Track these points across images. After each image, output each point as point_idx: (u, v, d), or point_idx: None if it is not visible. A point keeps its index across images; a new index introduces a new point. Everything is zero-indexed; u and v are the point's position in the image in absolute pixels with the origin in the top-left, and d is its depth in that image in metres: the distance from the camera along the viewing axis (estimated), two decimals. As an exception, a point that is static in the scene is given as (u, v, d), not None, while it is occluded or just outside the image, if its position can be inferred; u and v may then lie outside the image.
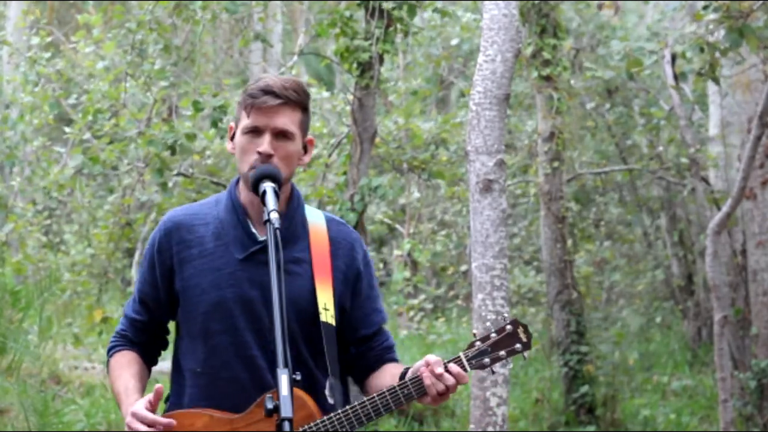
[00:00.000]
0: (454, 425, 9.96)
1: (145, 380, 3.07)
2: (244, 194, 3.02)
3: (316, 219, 3.07)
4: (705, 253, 8.35)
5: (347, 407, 2.86)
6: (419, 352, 13.50)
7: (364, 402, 2.86)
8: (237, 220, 2.99)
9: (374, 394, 2.87)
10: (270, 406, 2.56)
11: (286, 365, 2.60)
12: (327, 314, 2.95)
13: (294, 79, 3.04)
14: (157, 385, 2.85)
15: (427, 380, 2.83)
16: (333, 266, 3.01)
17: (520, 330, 2.87)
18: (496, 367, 2.90)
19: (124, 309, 3.15)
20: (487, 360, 2.86)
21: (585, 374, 10.31)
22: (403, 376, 2.92)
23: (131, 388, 2.97)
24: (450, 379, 2.83)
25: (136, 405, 2.85)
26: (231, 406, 2.90)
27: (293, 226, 3.02)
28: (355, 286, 3.06)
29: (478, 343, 2.87)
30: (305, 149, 3.06)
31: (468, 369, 2.86)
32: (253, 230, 2.98)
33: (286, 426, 2.53)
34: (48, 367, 9.44)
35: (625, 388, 10.76)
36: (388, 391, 2.87)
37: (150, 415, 2.83)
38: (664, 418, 10.47)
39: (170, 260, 3.01)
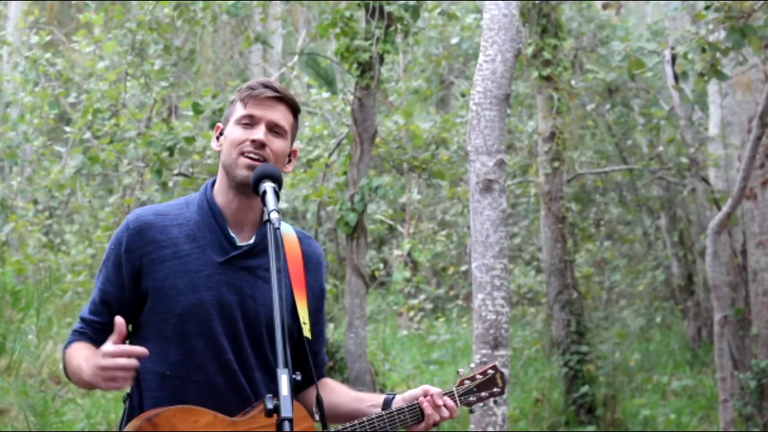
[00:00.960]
0: (454, 425, 9.96)
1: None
2: (221, 197, 2.98)
3: (287, 231, 3.07)
4: (705, 253, 8.35)
5: (347, 425, 2.93)
6: (419, 352, 13.51)
7: (363, 422, 2.94)
8: (214, 222, 2.95)
9: (373, 415, 2.96)
10: (270, 406, 2.55)
11: (286, 365, 2.58)
12: (305, 328, 2.96)
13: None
14: (118, 319, 2.75)
15: (428, 410, 3.00)
16: (306, 281, 3.04)
17: (498, 376, 3.17)
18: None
19: (80, 313, 3.04)
20: (472, 398, 3.13)
21: (585, 374, 10.30)
22: (387, 402, 3.01)
23: (91, 354, 2.83)
24: (446, 412, 3.02)
25: (103, 346, 2.74)
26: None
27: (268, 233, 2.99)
28: (318, 302, 3.10)
29: (467, 381, 3.14)
30: (289, 158, 3.04)
31: (458, 405, 3.09)
32: (232, 234, 2.95)
33: (286, 426, 2.52)
34: (48, 367, 9.43)
35: (625, 388, 10.75)
36: (386, 414, 2.96)
37: (124, 346, 2.73)
38: (664, 418, 10.46)
39: (139, 260, 2.92)
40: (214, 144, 3.04)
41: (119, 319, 2.76)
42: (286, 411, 2.53)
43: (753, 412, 9.34)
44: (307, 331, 2.95)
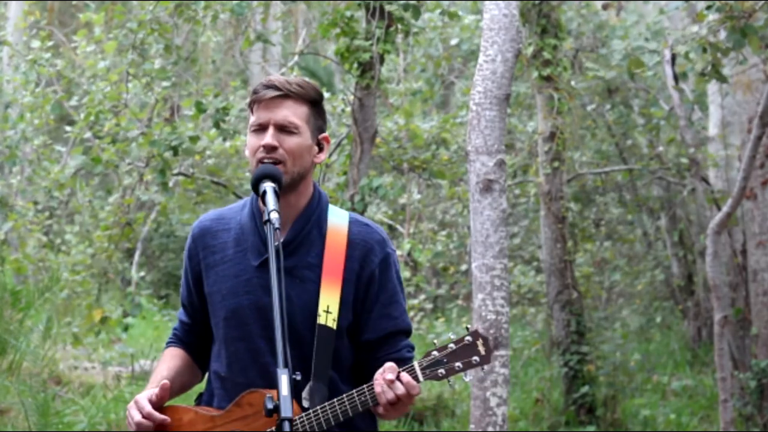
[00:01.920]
0: (454, 425, 9.96)
1: (185, 376, 3.11)
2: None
3: (338, 220, 3.01)
4: (705, 253, 8.35)
5: (309, 411, 2.84)
6: (419, 352, 13.49)
7: (324, 407, 2.84)
8: (255, 226, 2.99)
9: (334, 400, 2.84)
10: (270, 406, 2.57)
11: (286, 365, 2.60)
12: (328, 317, 2.90)
13: (303, 78, 3.04)
14: (164, 382, 2.91)
15: (378, 387, 2.79)
16: (345, 268, 2.95)
17: (480, 342, 2.77)
18: (470, 374, 2.82)
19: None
20: (441, 371, 2.77)
21: (585, 374, 10.30)
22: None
23: (157, 379, 3.02)
24: (400, 388, 2.76)
25: (142, 393, 2.92)
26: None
27: (307, 229, 2.98)
28: (368, 288, 2.97)
29: (435, 352, 2.78)
30: (320, 146, 3.02)
31: (421, 379, 2.78)
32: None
33: (286, 426, 2.53)
34: (48, 367, 9.44)
35: (625, 388, 10.75)
36: (347, 396, 2.83)
37: (148, 407, 2.89)
38: (664, 418, 10.46)
39: (198, 266, 3.05)
40: (246, 153, 3.05)
41: (164, 383, 2.94)
42: (286, 411, 2.55)
43: (753, 412, 9.34)
44: (330, 321, 2.89)
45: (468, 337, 2.77)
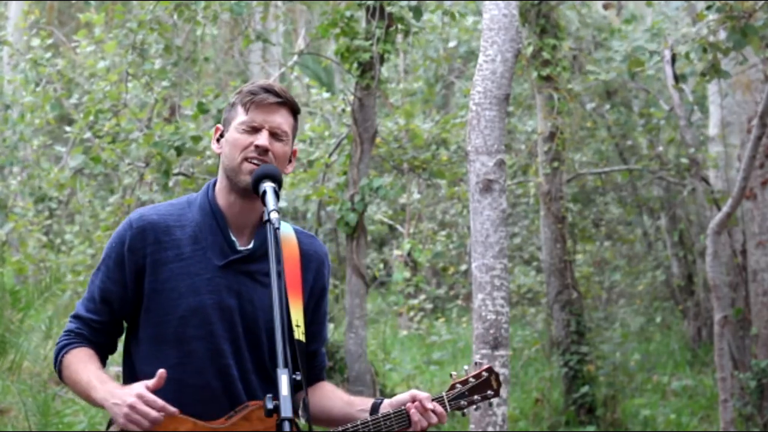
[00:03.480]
0: (454, 425, 9.96)
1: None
2: (222, 199, 2.98)
3: (286, 230, 3.04)
4: (705, 253, 8.35)
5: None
6: (419, 352, 13.51)
7: (347, 428, 2.90)
8: (216, 225, 2.95)
9: (357, 422, 2.91)
10: (270, 406, 2.55)
11: (286, 365, 2.58)
12: (299, 331, 2.91)
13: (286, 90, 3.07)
14: (161, 370, 2.77)
15: (415, 416, 2.94)
16: (303, 281, 3.00)
17: (493, 378, 3.08)
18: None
19: (75, 311, 3.02)
20: (464, 403, 3.06)
21: (585, 374, 10.30)
22: (375, 407, 2.97)
23: (105, 377, 2.88)
24: (434, 418, 2.96)
25: (138, 386, 2.76)
26: (196, 414, 2.86)
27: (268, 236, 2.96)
28: (318, 301, 3.06)
29: (458, 385, 3.05)
30: (290, 159, 3.04)
31: (448, 409, 3.02)
32: (233, 238, 2.95)
33: (286, 426, 2.52)
34: (49, 367, 9.43)
35: (625, 389, 10.76)
36: (372, 420, 2.91)
37: (159, 400, 2.74)
38: (664, 418, 10.46)
39: (143, 260, 2.92)
40: (214, 146, 3.03)
41: (161, 372, 2.77)
42: (285, 411, 2.53)
43: (753, 412, 9.34)
44: (300, 335, 2.90)
45: (484, 373, 3.07)
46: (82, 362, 2.93)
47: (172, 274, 2.91)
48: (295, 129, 3.03)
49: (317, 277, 3.05)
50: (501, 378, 3.18)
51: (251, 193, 2.89)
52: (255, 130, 2.93)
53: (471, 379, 3.05)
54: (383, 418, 2.91)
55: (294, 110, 3.01)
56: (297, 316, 2.92)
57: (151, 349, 2.93)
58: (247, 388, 2.93)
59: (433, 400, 2.97)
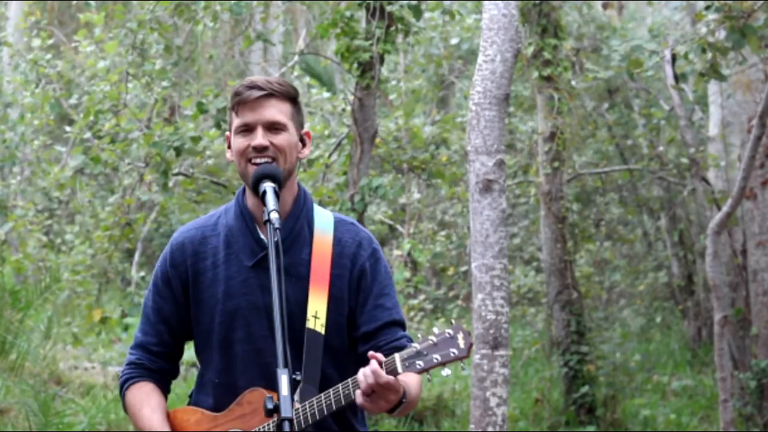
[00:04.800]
0: (454, 425, 9.96)
1: (165, 408, 3.04)
2: (251, 200, 3.00)
3: (323, 220, 3.03)
4: (705, 253, 8.35)
5: (298, 406, 2.82)
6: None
7: (312, 401, 2.83)
8: (245, 227, 2.98)
9: (321, 394, 2.84)
10: (270, 406, 2.57)
11: (286, 365, 2.61)
12: (316, 322, 2.91)
13: (278, 77, 3.05)
14: None
15: (359, 376, 2.74)
16: (333, 270, 2.97)
17: (460, 335, 2.70)
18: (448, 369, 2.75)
19: (134, 340, 3.09)
20: (420, 363, 2.70)
21: (585, 374, 10.30)
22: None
23: (159, 422, 2.96)
24: (370, 377, 2.71)
25: None
26: None
27: (299, 226, 2.99)
28: (359, 283, 2.99)
29: (415, 344, 2.73)
30: (303, 142, 3.03)
31: (400, 370, 2.71)
32: (262, 236, 2.97)
33: (286, 426, 2.54)
34: (48, 367, 9.44)
35: (625, 389, 10.75)
36: (332, 390, 2.82)
37: None
38: (664, 418, 10.46)
39: (185, 274, 3.00)
40: (228, 155, 3.04)
41: None
42: (286, 411, 2.55)
43: (753, 412, 9.34)
44: (318, 326, 2.91)
45: (449, 331, 2.71)
46: (142, 397, 3.01)
47: (210, 282, 2.98)
48: (295, 113, 2.99)
49: (353, 261, 2.99)
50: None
51: (254, 192, 2.91)
52: (250, 129, 2.93)
53: (431, 338, 2.70)
54: (342, 385, 2.81)
55: (287, 96, 2.97)
56: (316, 307, 2.91)
57: (204, 357, 3.04)
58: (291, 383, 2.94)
59: (385, 361, 2.72)
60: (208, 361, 3.02)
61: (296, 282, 2.93)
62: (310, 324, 2.92)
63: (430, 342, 2.71)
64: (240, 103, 2.94)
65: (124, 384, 3.05)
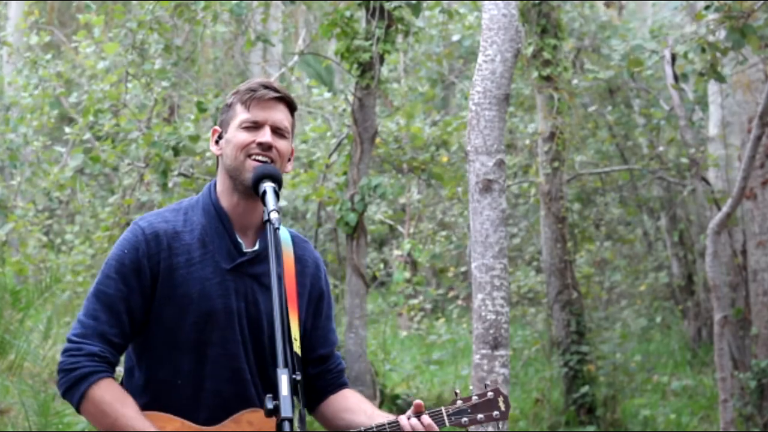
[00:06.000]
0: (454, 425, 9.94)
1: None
2: (226, 200, 2.95)
3: (284, 235, 3.02)
4: (705, 253, 8.35)
5: None
6: (419, 352, 13.51)
7: None
8: (222, 228, 2.93)
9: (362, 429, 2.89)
10: (270, 406, 2.55)
11: (286, 365, 2.58)
12: (296, 344, 2.86)
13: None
14: (417, 400, 2.89)
15: (406, 426, 2.86)
16: (298, 288, 2.97)
17: (500, 399, 2.94)
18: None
19: (92, 329, 2.84)
20: (465, 419, 2.92)
21: (585, 374, 10.30)
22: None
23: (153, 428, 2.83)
24: (418, 426, 2.85)
25: None
26: (209, 418, 2.87)
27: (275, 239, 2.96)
28: (317, 305, 3.04)
29: (459, 401, 2.92)
30: (289, 157, 3.02)
31: (447, 424, 2.90)
32: (239, 240, 2.93)
33: (286, 426, 2.52)
34: (48, 367, 9.43)
35: (625, 389, 10.75)
36: (365, 430, 2.89)
37: None
38: (664, 418, 10.46)
39: (157, 267, 2.87)
40: (213, 148, 3.00)
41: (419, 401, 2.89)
42: (285, 411, 2.53)
43: (753, 412, 9.34)
44: (297, 348, 2.85)
45: (490, 393, 2.94)
46: (119, 402, 2.80)
47: (184, 280, 2.88)
48: (293, 126, 3.02)
49: (314, 282, 3.03)
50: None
51: (252, 193, 2.87)
52: (257, 127, 2.92)
53: (474, 397, 2.94)
54: (377, 427, 2.89)
55: (291, 107, 3.00)
56: (294, 328, 2.86)
57: (164, 355, 2.90)
58: (257, 392, 2.92)
59: (432, 412, 2.89)
60: (165, 360, 2.89)
61: (266, 291, 2.91)
62: (294, 347, 2.86)
63: (473, 401, 2.93)
64: (253, 99, 2.93)
65: (88, 376, 2.80)
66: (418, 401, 2.87)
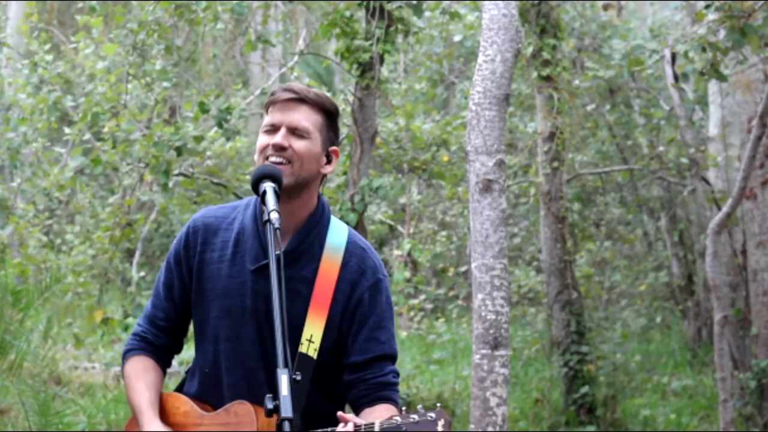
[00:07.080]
0: (455, 425, 9.96)
1: (160, 386, 3.07)
2: None
3: (336, 240, 3.00)
4: (705, 253, 8.35)
5: None
6: (419, 352, 13.51)
7: None
8: (256, 229, 2.98)
9: None
10: (270, 406, 2.57)
11: (286, 365, 2.60)
12: (310, 346, 2.90)
13: (320, 91, 3.05)
14: None
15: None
16: (335, 294, 2.95)
17: (441, 422, 2.70)
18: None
19: (146, 310, 3.13)
20: None
21: (585, 374, 10.30)
22: None
23: (147, 403, 2.98)
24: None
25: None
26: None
27: (308, 242, 2.98)
28: (355, 312, 2.97)
29: (397, 417, 2.73)
30: (328, 158, 3.02)
31: None
32: None
33: (286, 426, 2.53)
34: (48, 367, 9.44)
35: (625, 389, 10.76)
36: None
37: None
38: (664, 418, 10.46)
39: (194, 259, 3.03)
40: (255, 156, 3.06)
41: None
42: (286, 411, 2.54)
43: (753, 412, 9.35)
44: (311, 350, 2.89)
45: (431, 414, 2.71)
46: (136, 378, 3.04)
47: (213, 275, 2.99)
48: (325, 127, 3.00)
49: (354, 288, 2.98)
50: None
51: (289, 194, 2.91)
52: (275, 129, 2.96)
53: (413, 416, 2.71)
54: None
55: (321, 107, 2.98)
56: (312, 330, 2.90)
57: (197, 343, 3.07)
58: (274, 392, 2.92)
59: (364, 428, 2.73)
60: (200, 349, 3.04)
61: (291, 296, 2.87)
62: (303, 348, 2.90)
63: (412, 420, 2.71)
64: (271, 102, 2.98)
65: (127, 353, 3.10)
66: (343, 414, 2.76)
